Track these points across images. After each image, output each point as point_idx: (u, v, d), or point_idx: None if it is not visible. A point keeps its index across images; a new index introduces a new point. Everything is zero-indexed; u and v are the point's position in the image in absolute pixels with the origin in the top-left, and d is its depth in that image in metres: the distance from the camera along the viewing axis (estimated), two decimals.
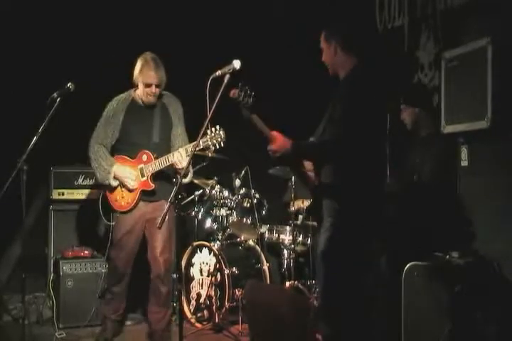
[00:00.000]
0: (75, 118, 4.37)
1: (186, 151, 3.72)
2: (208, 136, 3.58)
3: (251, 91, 2.92)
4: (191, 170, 3.96)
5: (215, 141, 3.57)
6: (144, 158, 3.90)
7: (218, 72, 2.87)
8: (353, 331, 2.90)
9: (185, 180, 3.96)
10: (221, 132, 3.58)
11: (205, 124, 2.92)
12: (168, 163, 3.80)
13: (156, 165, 3.84)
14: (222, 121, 2.97)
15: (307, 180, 3.13)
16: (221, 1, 5.37)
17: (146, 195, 3.94)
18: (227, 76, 2.84)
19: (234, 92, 2.90)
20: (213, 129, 3.58)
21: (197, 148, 3.57)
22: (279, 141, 2.93)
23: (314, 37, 3.16)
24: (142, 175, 3.90)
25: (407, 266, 3.29)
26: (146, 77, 3.81)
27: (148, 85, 3.83)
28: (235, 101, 2.93)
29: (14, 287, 4.34)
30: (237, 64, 2.85)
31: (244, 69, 2.86)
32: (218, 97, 2.79)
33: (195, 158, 3.94)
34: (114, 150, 3.98)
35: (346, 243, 2.86)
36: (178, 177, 3.84)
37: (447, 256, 3.24)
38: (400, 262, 3.34)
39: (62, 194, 4.81)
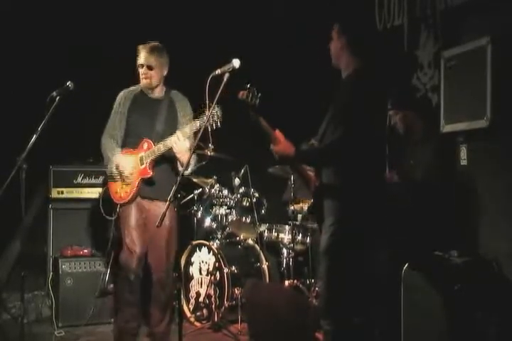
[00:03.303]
0: (75, 117, 4.37)
1: (184, 133, 3.65)
2: (205, 117, 3.48)
3: (258, 93, 2.94)
4: (192, 162, 3.85)
5: (212, 121, 3.45)
6: (145, 146, 3.83)
7: (218, 71, 2.90)
8: (353, 328, 2.90)
9: (187, 172, 3.78)
10: (218, 110, 3.47)
11: (205, 123, 2.93)
12: (165, 148, 3.72)
13: (154, 151, 3.76)
14: (222, 119, 2.99)
15: (308, 180, 3.13)
16: (221, 0, 5.37)
17: (146, 192, 3.86)
18: (227, 75, 2.87)
19: (242, 94, 2.93)
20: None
21: (195, 128, 3.58)
22: (282, 145, 2.93)
23: (314, 37, 3.16)
24: (142, 163, 3.82)
25: (407, 265, 3.29)
26: (139, 59, 3.86)
27: (140, 66, 3.86)
28: (243, 103, 2.95)
29: (13, 285, 4.33)
30: (236, 63, 2.88)
31: (244, 69, 2.87)
32: (218, 95, 2.81)
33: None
34: (123, 144, 3.93)
35: (347, 242, 2.87)
36: (180, 168, 3.79)
37: (446, 256, 3.24)
38: (399, 261, 3.34)
39: (62, 193, 4.81)
